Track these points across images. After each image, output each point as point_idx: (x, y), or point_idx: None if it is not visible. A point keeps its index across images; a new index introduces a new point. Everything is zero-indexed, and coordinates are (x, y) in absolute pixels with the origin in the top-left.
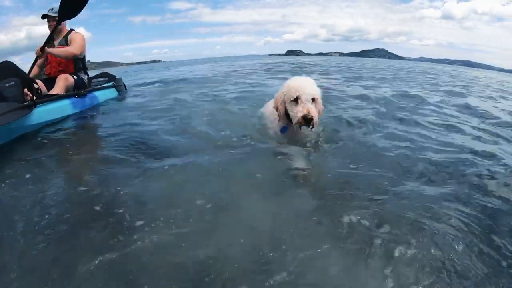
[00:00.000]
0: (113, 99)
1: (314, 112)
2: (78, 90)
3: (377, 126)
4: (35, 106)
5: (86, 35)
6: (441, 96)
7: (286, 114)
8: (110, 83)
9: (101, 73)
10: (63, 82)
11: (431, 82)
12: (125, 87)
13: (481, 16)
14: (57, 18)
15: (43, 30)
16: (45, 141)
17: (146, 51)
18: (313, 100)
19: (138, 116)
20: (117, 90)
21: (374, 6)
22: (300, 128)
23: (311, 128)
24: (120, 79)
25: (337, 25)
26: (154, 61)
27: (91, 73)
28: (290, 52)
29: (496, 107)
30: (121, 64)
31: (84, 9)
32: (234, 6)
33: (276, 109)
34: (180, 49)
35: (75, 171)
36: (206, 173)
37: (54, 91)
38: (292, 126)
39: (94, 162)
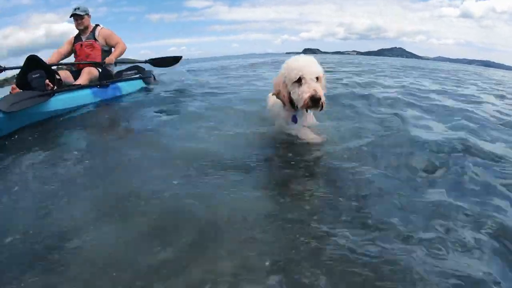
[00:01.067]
0: (139, 90)
1: (321, 92)
2: (102, 81)
3: None
4: (53, 95)
5: None
6: None
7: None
8: (137, 75)
9: (131, 67)
10: (86, 74)
11: None
12: (154, 78)
13: (500, 15)
14: (85, 16)
15: (62, 27)
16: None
17: (163, 49)
18: (317, 79)
19: (154, 107)
20: (145, 82)
21: (391, 4)
22: (307, 111)
23: (320, 110)
24: (149, 71)
25: (354, 24)
26: None
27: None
28: (307, 51)
29: None
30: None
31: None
32: (251, 3)
33: (278, 95)
34: (197, 47)
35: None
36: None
37: (78, 82)
38: (304, 113)
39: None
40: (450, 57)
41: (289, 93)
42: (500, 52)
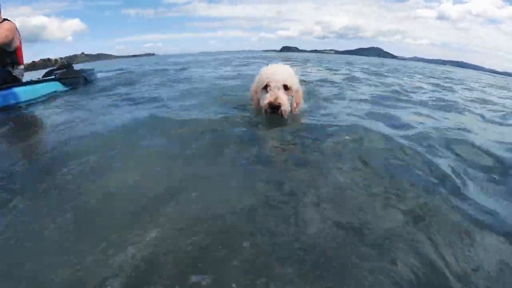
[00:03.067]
0: (49, 94)
1: (282, 99)
2: (3, 85)
3: None
4: None
5: (82, 27)
6: None
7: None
8: (52, 76)
9: (63, 64)
10: None
11: None
12: (86, 79)
13: (475, 18)
14: None
15: (36, 20)
16: None
17: (140, 44)
18: (286, 88)
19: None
20: (65, 84)
21: (370, 4)
22: (267, 115)
23: (281, 117)
24: (77, 71)
25: (332, 23)
26: (148, 54)
27: (81, 66)
28: (285, 49)
29: None
30: (115, 57)
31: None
32: (230, 1)
33: (252, 99)
34: (174, 43)
35: None
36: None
37: None
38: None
39: None
40: (425, 57)
41: (258, 99)
42: (474, 53)
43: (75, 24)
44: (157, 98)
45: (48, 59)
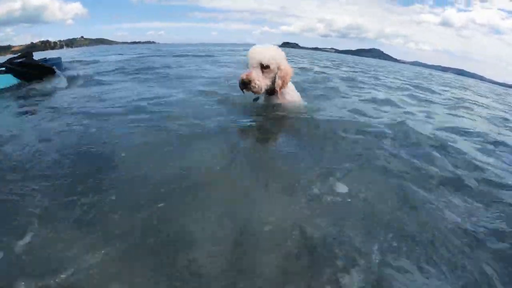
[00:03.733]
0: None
1: (253, 76)
2: None
3: None
4: None
5: (82, 11)
6: None
7: None
8: (3, 68)
9: (24, 53)
10: None
11: None
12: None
13: (479, 27)
14: None
15: (38, 1)
16: None
17: (141, 32)
18: (265, 67)
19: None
20: (19, 77)
21: (373, 5)
22: (243, 92)
23: (252, 91)
24: (36, 61)
25: (335, 21)
26: (149, 42)
27: (84, 49)
28: (285, 44)
29: None
30: (116, 43)
31: None
32: None
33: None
34: (176, 32)
35: None
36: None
37: None
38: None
39: None
40: (427, 63)
41: None
42: (475, 62)
43: (76, 7)
44: None
45: (48, 41)
